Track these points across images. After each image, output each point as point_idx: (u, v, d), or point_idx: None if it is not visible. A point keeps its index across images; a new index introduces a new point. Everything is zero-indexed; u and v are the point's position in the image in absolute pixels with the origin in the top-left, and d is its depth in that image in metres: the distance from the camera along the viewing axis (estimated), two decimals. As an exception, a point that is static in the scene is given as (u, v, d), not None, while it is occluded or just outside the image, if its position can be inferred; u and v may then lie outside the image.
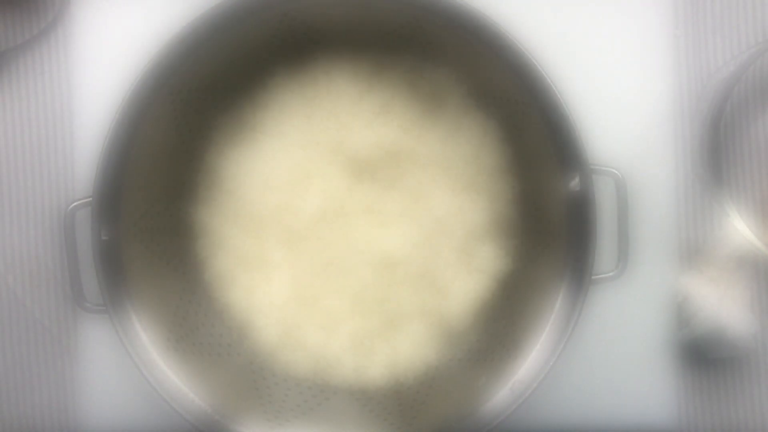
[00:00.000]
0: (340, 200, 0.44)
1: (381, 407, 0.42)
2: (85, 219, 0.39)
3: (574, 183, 0.38)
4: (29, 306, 0.46)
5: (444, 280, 0.44)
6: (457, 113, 0.44)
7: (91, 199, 0.39)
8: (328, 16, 0.41)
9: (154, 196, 0.42)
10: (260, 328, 0.44)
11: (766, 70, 0.45)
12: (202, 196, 0.44)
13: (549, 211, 0.41)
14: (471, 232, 0.44)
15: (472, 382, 0.41)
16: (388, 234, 0.44)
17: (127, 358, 0.39)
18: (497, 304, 0.44)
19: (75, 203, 0.40)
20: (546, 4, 0.45)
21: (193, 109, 0.42)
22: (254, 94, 0.44)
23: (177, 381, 0.39)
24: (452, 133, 0.44)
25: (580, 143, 0.38)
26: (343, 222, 0.44)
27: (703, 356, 0.45)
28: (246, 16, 0.39)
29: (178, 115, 0.42)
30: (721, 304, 0.44)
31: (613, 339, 0.45)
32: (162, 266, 0.43)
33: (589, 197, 0.38)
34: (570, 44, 0.45)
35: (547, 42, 0.43)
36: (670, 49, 0.45)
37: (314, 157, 0.44)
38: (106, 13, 0.45)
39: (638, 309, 0.45)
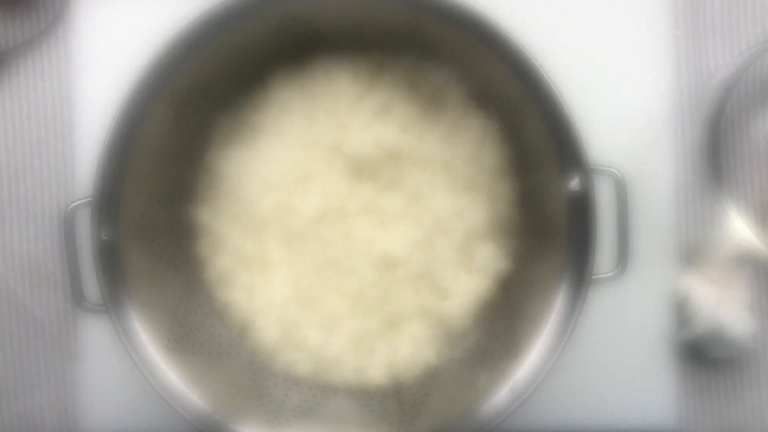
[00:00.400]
0: (340, 200, 0.44)
1: (381, 407, 0.42)
2: (85, 219, 0.39)
3: (574, 183, 0.38)
4: (29, 306, 0.46)
5: (444, 280, 0.44)
6: (457, 113, 0.44)
7: (91, 199, 0.39)
8: (328, 16, 0.41)
9: (154, 196, 0.42)
10: (260, 328, 0.44)
11: (766, 70, 0.45)
12: (202, 196, 0.44)
13: (549, 211, 0.41)
14: (471, 232, 0.44)
15: (472, 382, 0.41)
16: (388, 234, 0.44)
17: (127, 358, 0.39)
18: (497, 304, 0.44)
19: (75, 203, 0.40)
20: (546, 4, 0.45)
21: (193, 109, 0.42)
22: (254, 94, 0.44)
23: (177, 381, 0.39)
24: (452, 133, 0.44)
25: (580, 143, 0.38)
26: (343, 222, 0.44)
27: (703, 356, 0.45)
28: (246, 16, 0.39)
29: (178, 115, 0.41)
30: (721, 304, 0.44)
31: (613, 339, 0.45)
32: (162, 266, 0.43)
33: (589, 197, 0.38)
34: (570, 44, 0.45)
35: (547, 42, 0.43)
36: (670, 49, 0.45)
37: (314, 157, 0.44)
38: (106, 13, 0.45)
39: (638, 309, 0.45)
